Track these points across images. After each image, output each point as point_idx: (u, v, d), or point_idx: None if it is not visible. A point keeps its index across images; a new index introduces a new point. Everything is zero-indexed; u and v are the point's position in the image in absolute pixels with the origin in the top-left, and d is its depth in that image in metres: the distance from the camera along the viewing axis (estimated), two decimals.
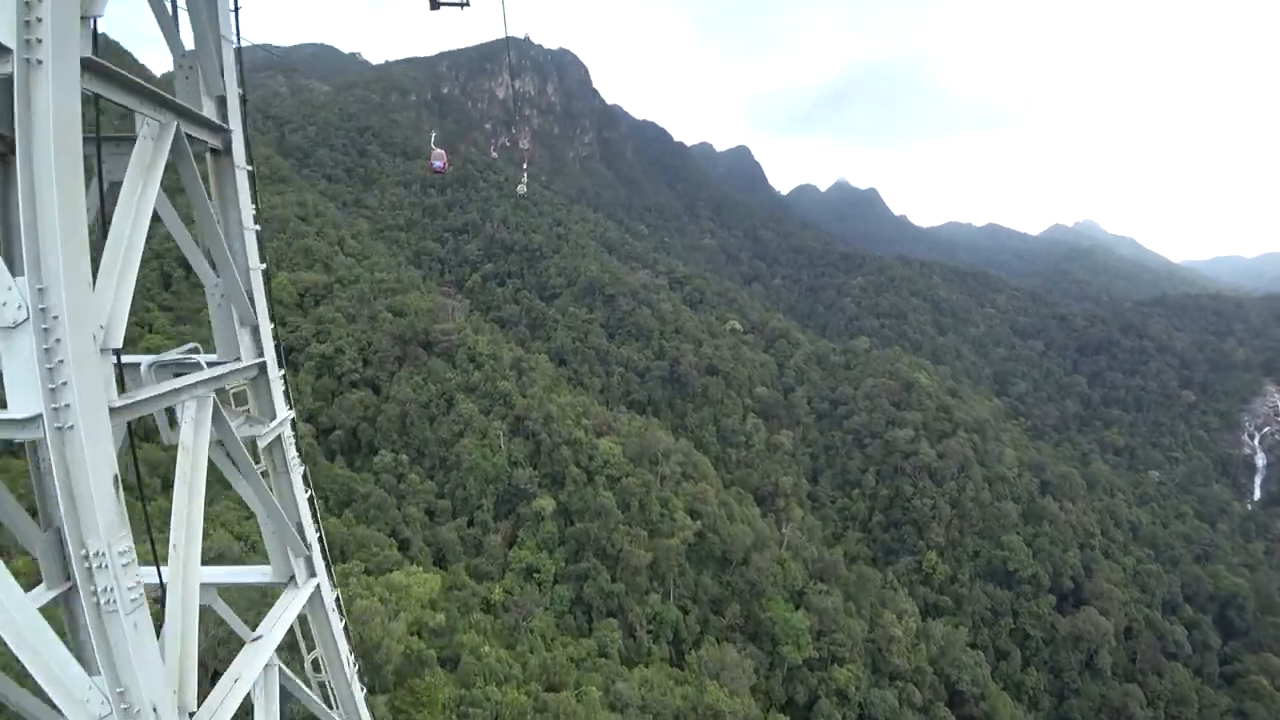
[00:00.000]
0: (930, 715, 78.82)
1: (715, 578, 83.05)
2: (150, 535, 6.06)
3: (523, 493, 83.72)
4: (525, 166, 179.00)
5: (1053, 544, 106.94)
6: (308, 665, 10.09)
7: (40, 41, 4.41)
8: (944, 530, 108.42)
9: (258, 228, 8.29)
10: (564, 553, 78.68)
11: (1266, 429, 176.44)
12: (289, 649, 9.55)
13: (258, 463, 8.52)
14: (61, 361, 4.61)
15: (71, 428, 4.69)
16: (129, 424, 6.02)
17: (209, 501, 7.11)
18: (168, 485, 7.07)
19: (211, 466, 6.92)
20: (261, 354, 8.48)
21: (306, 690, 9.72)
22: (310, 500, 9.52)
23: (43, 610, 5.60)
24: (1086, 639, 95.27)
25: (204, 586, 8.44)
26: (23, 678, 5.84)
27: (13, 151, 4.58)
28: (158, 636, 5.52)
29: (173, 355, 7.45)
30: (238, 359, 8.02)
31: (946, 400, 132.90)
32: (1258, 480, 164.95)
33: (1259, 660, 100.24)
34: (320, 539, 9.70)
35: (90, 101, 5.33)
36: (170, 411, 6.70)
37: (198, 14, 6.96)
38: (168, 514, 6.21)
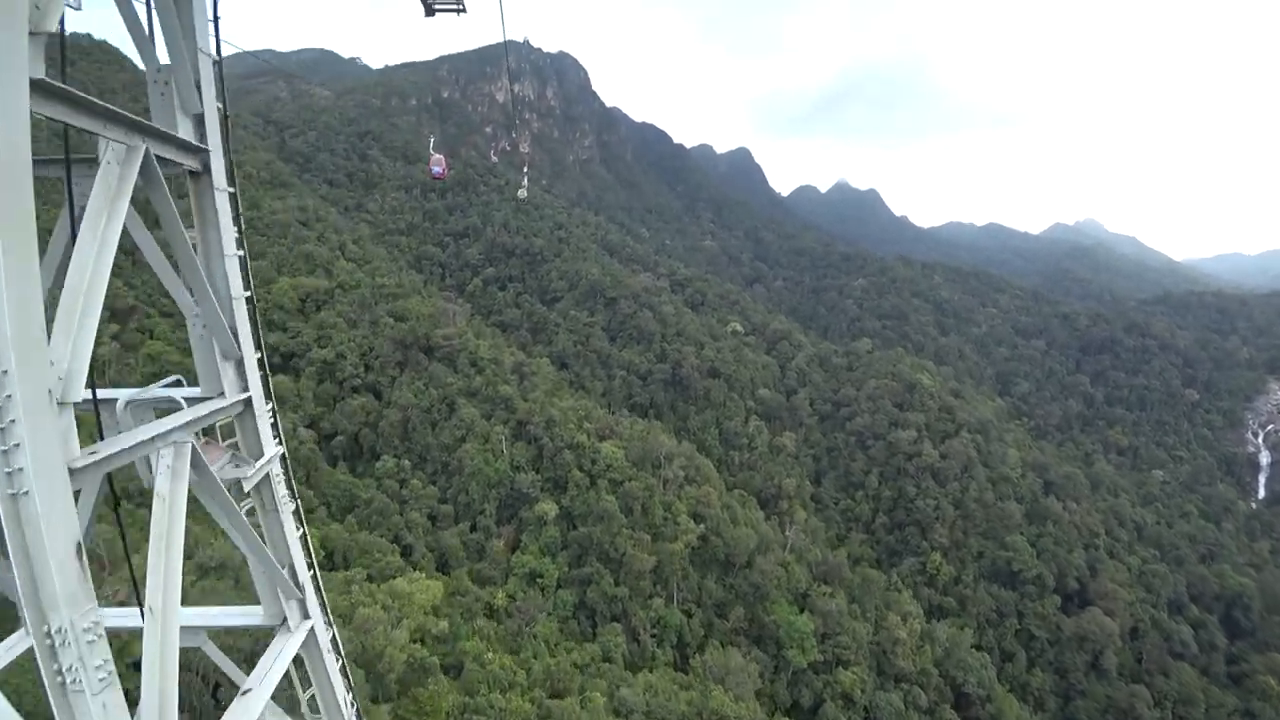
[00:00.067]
0: (936, 718, 78.37)
1: (719, 581, 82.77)
2: (133, 576, 5.79)
3: (525, 497, 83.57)
4: (526, 170, 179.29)
5: (1057, 544, 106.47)
6: (304, 704, 9.62)
7: None
8: (948, 531, 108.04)
9: (241, 253, 7.77)
10: (567, 557, 78.46)
11: (1270, 427, 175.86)
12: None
13: (246, 496, 8.09)
14: (13, 421, 4.20)
15: (26, 493, 4.27)
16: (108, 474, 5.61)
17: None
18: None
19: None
20: (247, 389, 7.93)
21: None
22: (303, 539, 9.06)
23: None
24: (1092, 640, 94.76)
25: (192, 630, 8.10)
26: None
27: None
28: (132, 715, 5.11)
29: (152, 392, 6.99)
30: (221, 394, 7.54)
31: (949, 401, 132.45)
32: (1262, 479, 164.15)
33: (1266, 660, 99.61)
34: (314, 577, 9.22)
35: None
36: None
37: (171, 25, 6.46)
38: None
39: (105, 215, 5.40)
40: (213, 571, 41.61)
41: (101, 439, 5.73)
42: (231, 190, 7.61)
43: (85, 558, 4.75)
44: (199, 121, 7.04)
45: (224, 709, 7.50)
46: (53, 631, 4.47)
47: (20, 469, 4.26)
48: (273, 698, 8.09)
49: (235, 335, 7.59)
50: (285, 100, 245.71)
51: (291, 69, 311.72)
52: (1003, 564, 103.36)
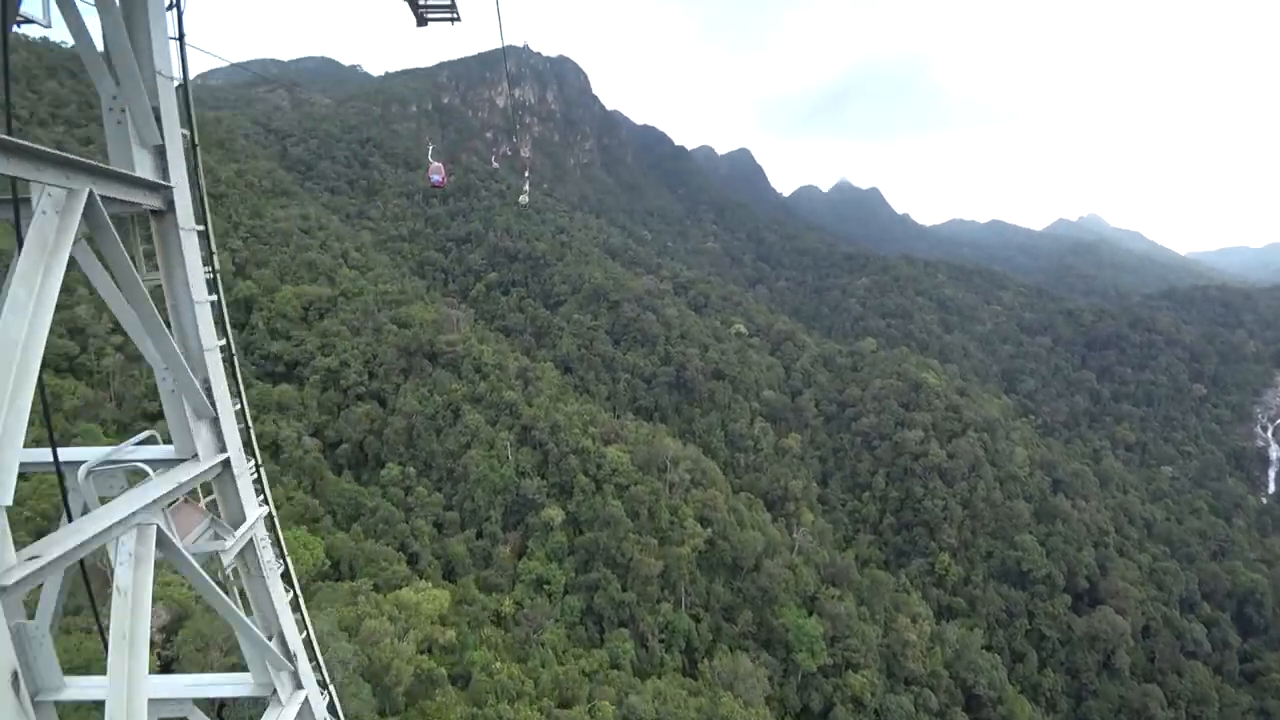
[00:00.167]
0: None
1: (727, 585, 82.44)
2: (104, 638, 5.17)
3: (531, 503, 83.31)
4: (527, 175, 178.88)
5: (1066, 543, 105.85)
6: None
7: None
8: (956, 531, 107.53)
9: (214, 298, 6.98)
10: (574, 563, 78.24)
11: (1279, 420, 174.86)
12: None
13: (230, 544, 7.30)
14: None
15: None
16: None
17: None
18: None
19: None
20: (224, 449, 7.14)
21: None
22: (293, 602, 8.38)
23: None
24: (1103, 639, 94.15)
25: (176, 701, 7.50)
26: None
27: None
28: None
29: (124, 453, 6.36)
30: (195, 456, 6.78)
31: (955, 400, 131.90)
32: (1272, 473, 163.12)
33: (1279, 658, 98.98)
34: (308, 640, 8.54)
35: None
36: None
37: (120, 46, 5.62)
38: None
39: (41, 274, 4.51)
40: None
41: (65, 506, 5.14)
42: (200, 229, 6.82)
43: (23, 687, 4.14)
44: (159, 154, 6.26)
45: None
46: None
47: None
48: None
49: (208, 392, 6.84)
50: (286, 109, 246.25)
51: (293, 77, 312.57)
52: (1012, 563, 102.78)
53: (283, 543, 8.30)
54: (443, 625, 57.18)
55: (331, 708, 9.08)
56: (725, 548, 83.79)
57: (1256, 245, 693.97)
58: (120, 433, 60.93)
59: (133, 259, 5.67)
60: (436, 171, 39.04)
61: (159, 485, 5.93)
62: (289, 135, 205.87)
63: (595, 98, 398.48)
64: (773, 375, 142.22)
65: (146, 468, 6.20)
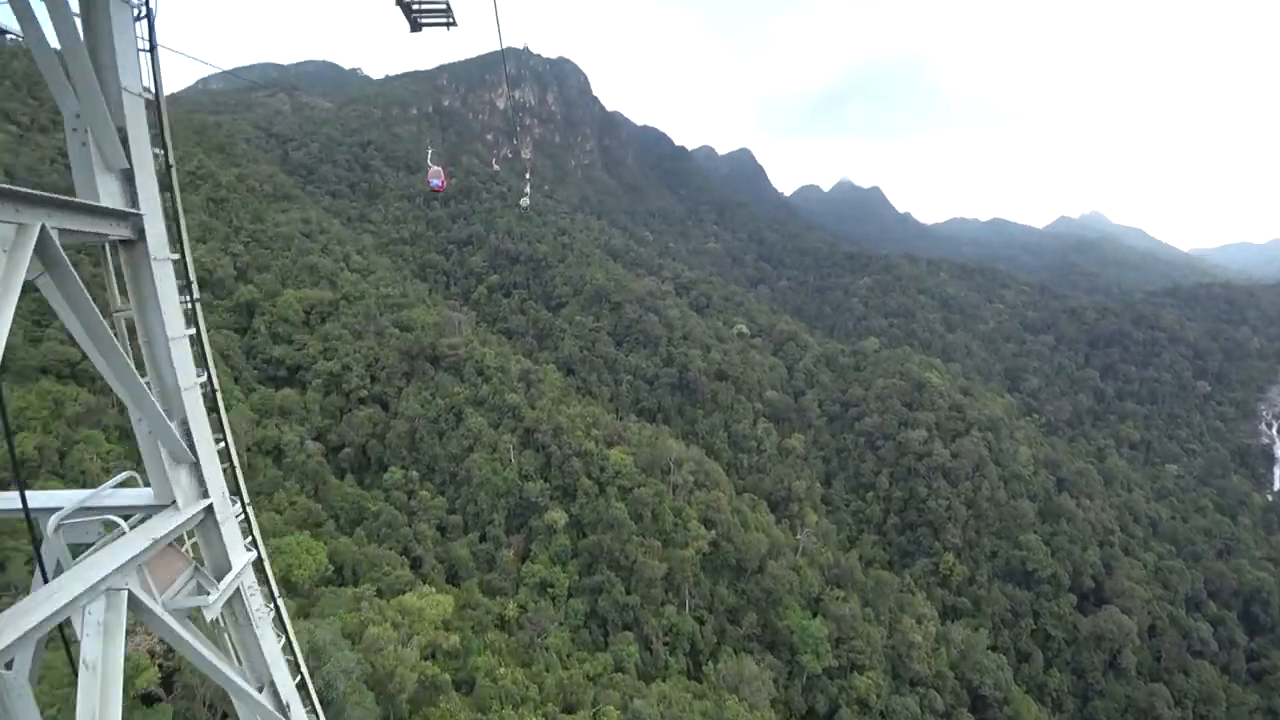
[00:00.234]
0: None
1: (731, 587, 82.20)
2: None
3: (534, 506, 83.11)
4: (529, 177, 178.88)
5: (1071, 542, 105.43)
6: None
7: None
8: (960, 531, 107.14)
9: (191, 331, 6.32)
10: (577, 566, 78.00)
11: None
12: None
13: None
14: None
15: None
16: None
17: None
18: None
19: None
20: (206, 494, 6.54)
21: None
22: (287, 645, 7.89)
23: None
24: (1109, 638, 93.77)
25: None
26: None
27: None
28: None
29: (100, 499, 5.87)
30: (174, 504, 6.19)
31: (959, 399, 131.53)
32: (1277, 471, 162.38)
33: None
34: (303, 683, 8.09)
35: None
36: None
37: (79, 63, 4.97)
38: None
39: None
40: None
41: (38, 558, 4.68)
42: (175, 258, 6.14)
43: None
44: (126, 179, 5.62)
45: None
46: None
47: None
48: None
49: (187, 435, 6.23)
50: (287, 113, 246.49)
51: (293, 81, 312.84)
52: (1017, 563, 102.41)
53: (274, 585, 7.78)
54: (446, 630, 56.99)
55: None
56: (729, 549, 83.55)
57: (1260, 241, 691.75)
58: (122, 439, 60.80)
59: (106, 290, 5.25)
60: (436, 176, 38.86)
61: (132, 543, 5.44)
62: (290, 139, 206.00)
63: (595, 99, 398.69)
64: (775, 376, 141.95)
65: (121, 522, 5.65)
